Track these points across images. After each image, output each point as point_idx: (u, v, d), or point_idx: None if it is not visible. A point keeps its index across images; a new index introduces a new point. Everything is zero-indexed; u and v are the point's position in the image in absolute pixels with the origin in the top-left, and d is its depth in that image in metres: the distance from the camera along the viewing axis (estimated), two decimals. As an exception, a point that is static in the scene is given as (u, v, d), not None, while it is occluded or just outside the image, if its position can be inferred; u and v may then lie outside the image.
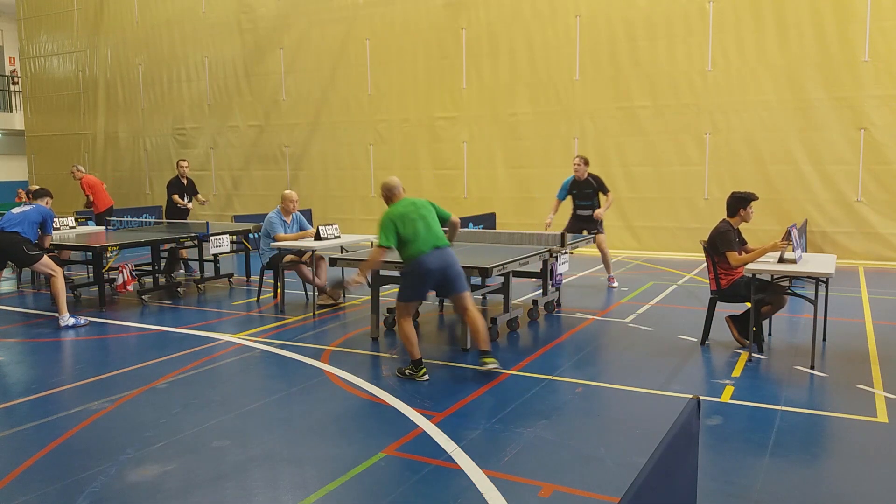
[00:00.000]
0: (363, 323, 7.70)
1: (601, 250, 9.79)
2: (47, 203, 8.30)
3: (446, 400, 5.18)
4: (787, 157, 11.99)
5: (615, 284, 9.85)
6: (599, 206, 9.71)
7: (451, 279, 5.83)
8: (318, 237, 8.33)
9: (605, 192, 9.67)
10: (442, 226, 6.03)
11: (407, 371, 5.77)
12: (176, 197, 11.59)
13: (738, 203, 6.43)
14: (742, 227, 6.58)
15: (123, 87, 19.34)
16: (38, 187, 9.03)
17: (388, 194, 6.12)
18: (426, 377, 5.70)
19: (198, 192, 11.99)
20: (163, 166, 18.81)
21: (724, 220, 6.50)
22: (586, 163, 9.68)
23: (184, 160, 12.07)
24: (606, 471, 4.01)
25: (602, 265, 10.05)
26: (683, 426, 2.42)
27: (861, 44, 11.36)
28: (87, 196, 11.99)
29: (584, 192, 9.68)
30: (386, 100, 15.52)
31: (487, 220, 13.22)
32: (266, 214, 8.94)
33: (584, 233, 9.53)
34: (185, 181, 11.76)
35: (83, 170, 12.36)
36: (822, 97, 11.68)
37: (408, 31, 15.11)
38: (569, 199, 9.91)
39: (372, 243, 8.20)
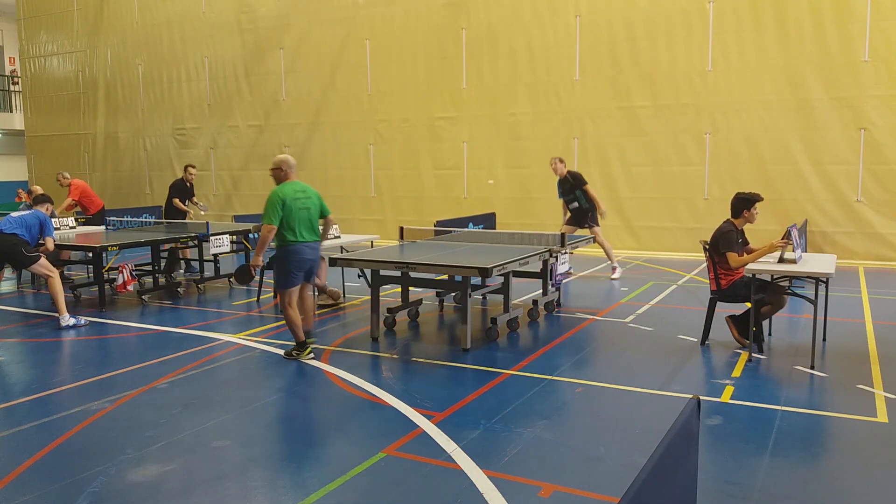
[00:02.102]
0: (363, 323, 7.70)
1: (599, 244, 10.18)
2: (47, 209, 8.36)
3: (446, 400, 5.18)
4: (787, 157, 11.99)
5: (615, 276, 10.26)
6: (585, 201, 10.16)
7: (312, 270, 6.50)
8: (318, 237, 8.31)
9: (583, 185, 10.17)
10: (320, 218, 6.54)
11: (294, 353, 6.36)
12: (177, 200, 11.66)
13: (743, 204, 6.41)
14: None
15: (123, 87, 19.34)
16: (39, 193, 9.05)
17: (286, 171, 6.40)
18: (311, 355, 6.33)
19: (193, 195, 12.01)
20: (163, 166, 18.81)
21: (727, 220, 6.48)
22: (559, 161, 10.33)
23: (193, 166, 12.00)
24: (606, 471, 4.01)
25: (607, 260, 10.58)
26: (683, 426, 2.42)
27: (861, 44, 11.35)
28: (74, 201, 11.88)
29: (564, 189, 10.32)
30: (386, 100, 15.52)
31: (487, 220, 13.22)
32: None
33: (584, 229, 10.13)
34: (189, 185, 11.81)
35: (69, 176, 12.26)
36: (822, 97, 11.68)
37: (408, 31, 15.11)
38: None
39: (372, 243, 8.21)
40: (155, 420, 4.86)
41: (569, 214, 10.37)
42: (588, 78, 13.41)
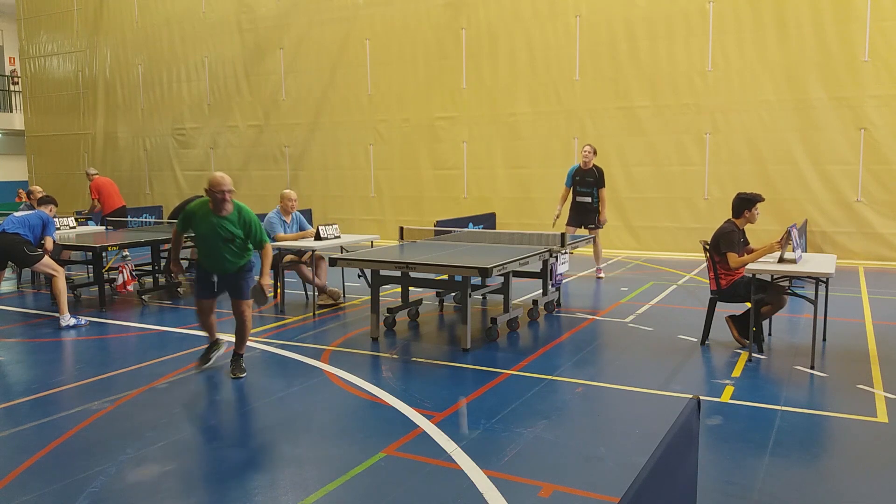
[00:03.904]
0: (363, 323, 7.70)
1: (595, 246, 10.34)
2: (51, 211, 8.38)
3: (446, 400, 5.18)
4: (787, 157, 11.99)
5: (602, 276, 10.42)
6: (597, 198, 10.18)
7: None
8: (317, 237, 8.33)
9: (602, 186, 10.19)
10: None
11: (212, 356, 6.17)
12: None
13: (744, 205, 6.41)
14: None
15: (123, 87, 19.34)
16: (43, 194, 9.07)
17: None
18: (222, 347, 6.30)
19: None
20: (162, 166, 18.80)
21: (728, 220, 6.49)
22: (595, 152, 10.28)
23: None
24: (606, 471, 4.01)
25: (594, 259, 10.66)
26: (683, 426, 2.42)
27: (861, 44, 11.35)
28: (92, 199, 12.11)
29: (586, 181, 10.21)
30: (386, 100, 15.52)
31: (487, 220, 13.23)
32: (265, 214, 8.92)
33: (584, 229, 10.20)
34: None
35: (93, 172, 12.53)
36: (822, 97, 11.68)
37: (408, 31, 15.11)
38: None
39: (372, 243, 8.20)
40: (155, 420, 4.85)
41: (562, 207, 10.35)
42: (588, 78, 13.41)
